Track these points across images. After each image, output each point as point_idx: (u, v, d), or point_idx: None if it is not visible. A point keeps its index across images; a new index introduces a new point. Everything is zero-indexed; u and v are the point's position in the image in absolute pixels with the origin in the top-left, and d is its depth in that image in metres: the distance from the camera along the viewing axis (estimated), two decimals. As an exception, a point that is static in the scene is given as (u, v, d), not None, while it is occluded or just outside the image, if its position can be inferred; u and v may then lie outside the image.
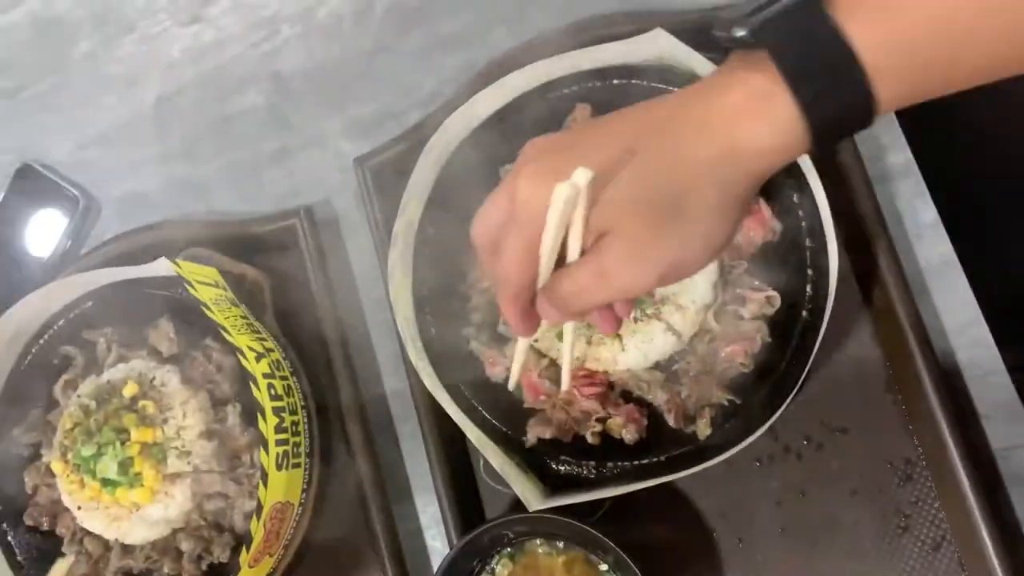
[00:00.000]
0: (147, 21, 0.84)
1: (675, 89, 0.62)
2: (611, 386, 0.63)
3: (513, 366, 0.52)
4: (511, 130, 0.66)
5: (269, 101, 0.79)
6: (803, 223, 0.60)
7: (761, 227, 0.60)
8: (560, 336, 0.61)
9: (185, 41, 0.82)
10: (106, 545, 0.72)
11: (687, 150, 0.40)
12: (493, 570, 0.63)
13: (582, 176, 0.37)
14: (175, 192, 0.81)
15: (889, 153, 0.65)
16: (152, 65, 0.83)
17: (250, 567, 0.63)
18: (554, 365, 0.64)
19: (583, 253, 0.41)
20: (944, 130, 0.66)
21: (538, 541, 0.62)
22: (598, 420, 0.61)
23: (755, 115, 0.39)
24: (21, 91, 0.87)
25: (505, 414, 0.65)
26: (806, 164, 0.58)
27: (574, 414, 0.62)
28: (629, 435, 0.60)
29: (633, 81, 0.63)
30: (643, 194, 0.40)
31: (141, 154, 0.83)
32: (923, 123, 0.64)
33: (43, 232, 0.83)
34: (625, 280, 0.41)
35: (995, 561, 0.57)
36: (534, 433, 0.62)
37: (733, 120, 0.39)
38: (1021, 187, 0.69)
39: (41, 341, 0.76)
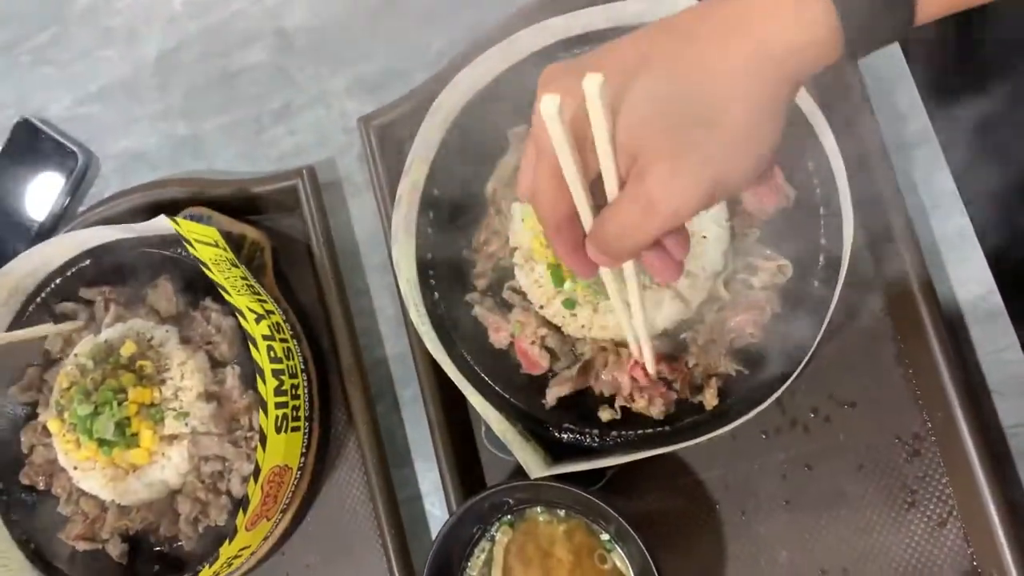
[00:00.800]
0: (149, -28, 0.82)
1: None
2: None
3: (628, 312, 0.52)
4: (520, 92, 0.64)
5: (273, 58, 0.78)
6: (818, 190, 0.58)
7: (774, 194, 0.58)
8: (569, 304, 0.60)
9: (187, -6, 0.80)
10: (102, 505, 0.72)
11: (715, 57, 0.38)
12: (493, 537, 0.62)
13: (591, 83, 0.35)
14: (176, 150, 0.80)
15: (907, 120, 0.63)
16: (153, 18, 0.81)
17: (247, 530, 0.63)
18: (557, 333, 0.63)
19: (622, 187, 0.39)
20: (964, 96, 0.64)
21: (539, 509, 0.62)
22: (627, 396, 0.60)
23: (785, 13, 0.37)
24: (19, 44, 0.86)
25: (507, 381, 0.64)
26: (823, 129, 0.56)
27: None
28: (656, 410, 0.59)
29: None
30: (671, 107, 0.37)
31: (141, 110, 0.81)
32: (942, 89, 0.63)
33: (41, 188, 0.82)
34: (673, 203, 0.38)
35: (1002, 538, 0.56)
36: (553, 392, 0.61)
37: (761, 19, 0.37)
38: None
39: (39, 298, 0.75)
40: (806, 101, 0.56)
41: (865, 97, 0.60)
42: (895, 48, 0.64)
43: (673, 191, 0.38)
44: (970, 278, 0.61)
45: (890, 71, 0.64)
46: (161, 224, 0.68)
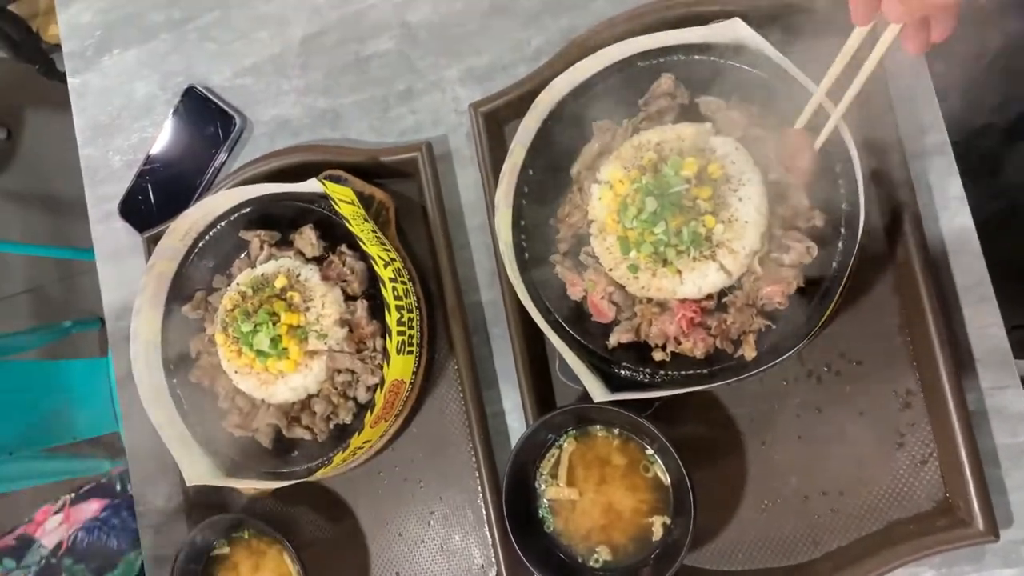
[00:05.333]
0: (297, -31, 0.97)
1: (747, 67, 0.74)
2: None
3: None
4: (603, 92, 0.79)
5: (399, 47, 0.93)
6: (841, 190, 0.71)
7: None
8: (633, 269, 0.75)
9: (330, -12, 0.96)
10: (254, 403, 0.91)
11: None
12: (561, 445, 0.79)
13: None
14: (316, 120, 0.96)
15: (928, 133, 0.75)
16: (300, 7, 0.97)
17: (371, 427, 0.81)
18: (622, 290, 0.78)
19: None
20: (981, 116, 0.76)
21: (599, 427, 0.78)
22: (675, 340, 0.75)
23: None
24: (187, 23, 1.03)
25: (579, 326, 0.79)
26: (847, 138, 0.69)
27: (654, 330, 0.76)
28: (699, 351, 0.74)
29: (711, 58, 0.75)
30: None
31: (288, 85, 0.98)
32: (963, 108, 0.74)
33: (205, 145, 1.00)
34: None
35: (969, 476, 0.70)
36: (615, 337, 0.76)
37: None
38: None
39: (207, 237, 0.94)
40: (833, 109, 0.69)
41: (891, 110, 0.73)
42: (923, 67, 0.75)
43: None
44: (968, 268, 0.74)
45: (915, 88, 0.75)
46: (310, 184, 0.85)
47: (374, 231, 0.85)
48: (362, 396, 0.86)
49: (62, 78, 2.17)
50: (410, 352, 0.83)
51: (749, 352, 0.73)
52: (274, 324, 0.84)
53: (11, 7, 1.98)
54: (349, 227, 0.81)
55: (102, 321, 2.21)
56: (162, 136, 1.02)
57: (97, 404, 1.58)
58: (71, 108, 1.08)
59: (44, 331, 2.09)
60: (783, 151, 0.72)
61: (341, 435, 0.87)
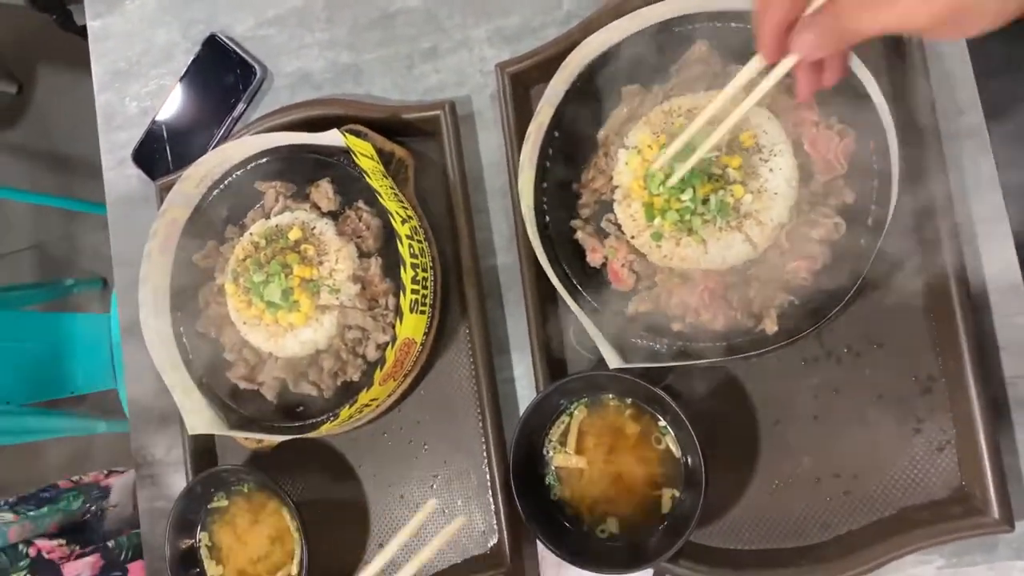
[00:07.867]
0: (326, -81, 0.96)
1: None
2: (689, 282, 0.75)
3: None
4: (635, 57, 0.77)
5: (426, 4, 0.91)
6: (875, 166, 0.70)
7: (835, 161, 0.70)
8: (656, 237, 0.73)
9: (358, -60, 0.94)
10: (260, 355, 0.90)
11: None
12: (571, 413, 0.78)
13: None
14: (338, 75, 0.95)
15: (964, 114, 0.73)
16: (328, -42, 0.95)
17: (380, 384, 0.80)
18: (643, 259, 0.77)
19: None
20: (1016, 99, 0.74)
21: (611, 395, 0.77)
22: (695, 311, 0.74)
23: None
24: (211, -30, 1.01)
25: (597, 293, 0.78)
26: (884, 112, 0.67)
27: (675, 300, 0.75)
28: (719, 324, 0.73)
29: (747, 26, 0.73)
30: None
31: (311, 38, 0.96)
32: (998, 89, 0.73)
33: (225, 94, 0.98)
34: (909, 5, 0.40)
35: (987, 466, 0.68)
36: (634, 306, 0.75)
37: None
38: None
39: (222, 186, 0.92)
40: (872, 86, 0.67)
41: (928, 90, 0.71)
42: (963, 48, 0.74)
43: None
44: (997, 253, 0.72)
45: (953, 69, 0.74)
46: (330, 136, 0.83)
47: (392, 187, 0.83)
48: (371, 354, 0.85)
49: (78, 31, 2.15)
50: (422, 312, 0.82)
51: (770, 327, 0.71)
52: (286, 276, 0.83)
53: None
54: (368, 180, 0.80)
55: (104, 282, 2.20)
56: (181, 84, 1.01)
57: (96, 359, 1.57)
58: (86, 62, 1.07)
59: (46, 288, 2.08)
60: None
61: (347, 392, 0.85)
